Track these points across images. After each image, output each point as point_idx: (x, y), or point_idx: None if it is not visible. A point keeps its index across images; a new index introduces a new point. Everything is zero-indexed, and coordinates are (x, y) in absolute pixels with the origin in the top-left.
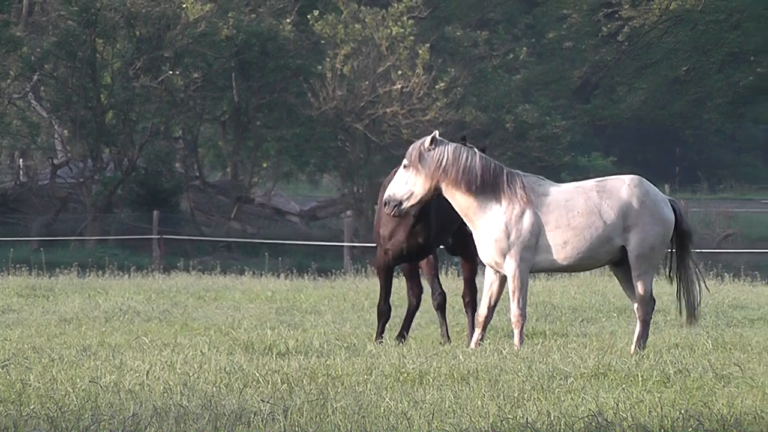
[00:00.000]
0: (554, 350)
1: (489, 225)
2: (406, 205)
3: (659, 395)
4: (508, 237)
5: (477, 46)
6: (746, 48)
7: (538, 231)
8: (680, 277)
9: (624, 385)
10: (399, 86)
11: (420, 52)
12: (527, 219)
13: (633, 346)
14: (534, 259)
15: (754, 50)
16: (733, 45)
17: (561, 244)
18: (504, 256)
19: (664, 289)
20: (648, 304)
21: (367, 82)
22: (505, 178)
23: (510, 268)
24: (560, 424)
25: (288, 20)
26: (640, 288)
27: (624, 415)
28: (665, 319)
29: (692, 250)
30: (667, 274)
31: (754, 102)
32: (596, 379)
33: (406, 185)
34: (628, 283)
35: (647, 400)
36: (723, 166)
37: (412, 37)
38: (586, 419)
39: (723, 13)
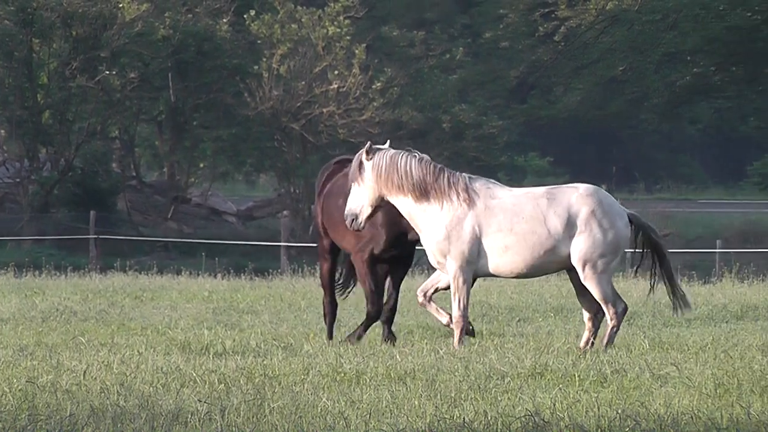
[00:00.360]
0: (491, 350)
1: (431, 227)
2: (361, 218)
3: (596, 395)
4: (449, 238)
5: (413, 46)
6: (683, 48)
7: (479, 234)
8: (663, 282)
9: (561, 385)
10: (335, 86)
11: (356, 52)
12: (469, 221)
13: (603, 344)
14: (477, 262)
15: (691, 50)
16: (669, 45)
17: (502, 249)
18: (445, 257)
19: None
20: (616, 305)
21: (303, 82)
22: (445, 180)
23: (451, 269)
24: (497, 424)
25: (224, 20)
26: (596, 292)
27: (561, 415)
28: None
29: (669, 257)
30: (652, 279)
31: (691, 102)
32: (533, 378)
33: (357, 200)
34: (582, 291)
35: (584, 400)
36: (660, 167)
37: (348, 37)
38: (523, 419)
39: (659, 14)
